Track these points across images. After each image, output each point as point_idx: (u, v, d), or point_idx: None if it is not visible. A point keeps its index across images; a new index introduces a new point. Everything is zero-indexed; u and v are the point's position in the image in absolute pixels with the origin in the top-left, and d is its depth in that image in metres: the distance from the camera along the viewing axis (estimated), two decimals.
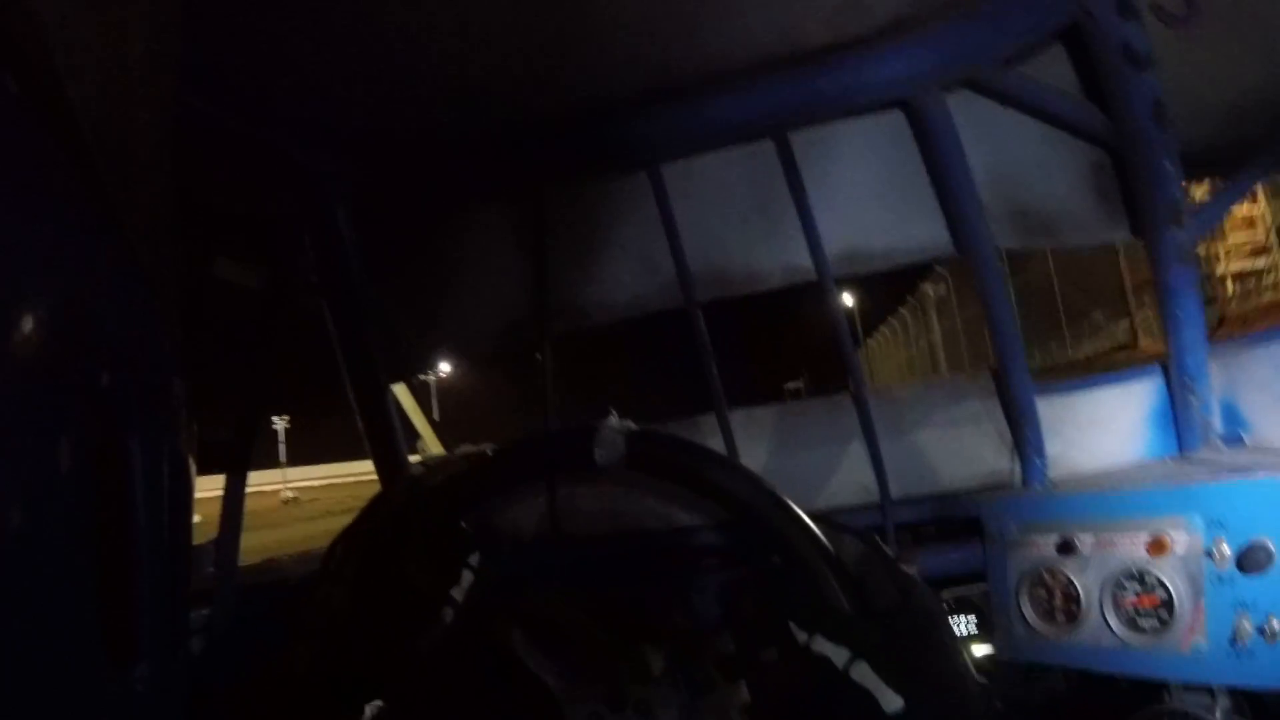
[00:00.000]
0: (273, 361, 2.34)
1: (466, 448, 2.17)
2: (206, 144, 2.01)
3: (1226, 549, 1.67)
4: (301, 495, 38.89)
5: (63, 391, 0.64)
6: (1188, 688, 1.81)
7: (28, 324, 0.59)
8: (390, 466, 2.57)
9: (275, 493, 39.18)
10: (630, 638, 1.85)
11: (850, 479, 2.39)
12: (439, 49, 1.86)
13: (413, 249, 2.65)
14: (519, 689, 1.85)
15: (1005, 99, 2.21)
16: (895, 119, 2.30)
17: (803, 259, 2.38)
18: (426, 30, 1.80)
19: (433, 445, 3.54)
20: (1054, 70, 2.23)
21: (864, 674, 1.58)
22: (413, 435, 3.08)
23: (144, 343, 0.88)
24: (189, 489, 1.03)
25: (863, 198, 2.40)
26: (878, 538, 2.20)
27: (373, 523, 2.01)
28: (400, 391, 2.85)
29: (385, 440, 2.57)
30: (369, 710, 1.67)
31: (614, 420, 1.77)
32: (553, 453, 1.95)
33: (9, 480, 0.56)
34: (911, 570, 2.09)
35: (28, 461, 0.58)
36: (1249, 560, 1.64)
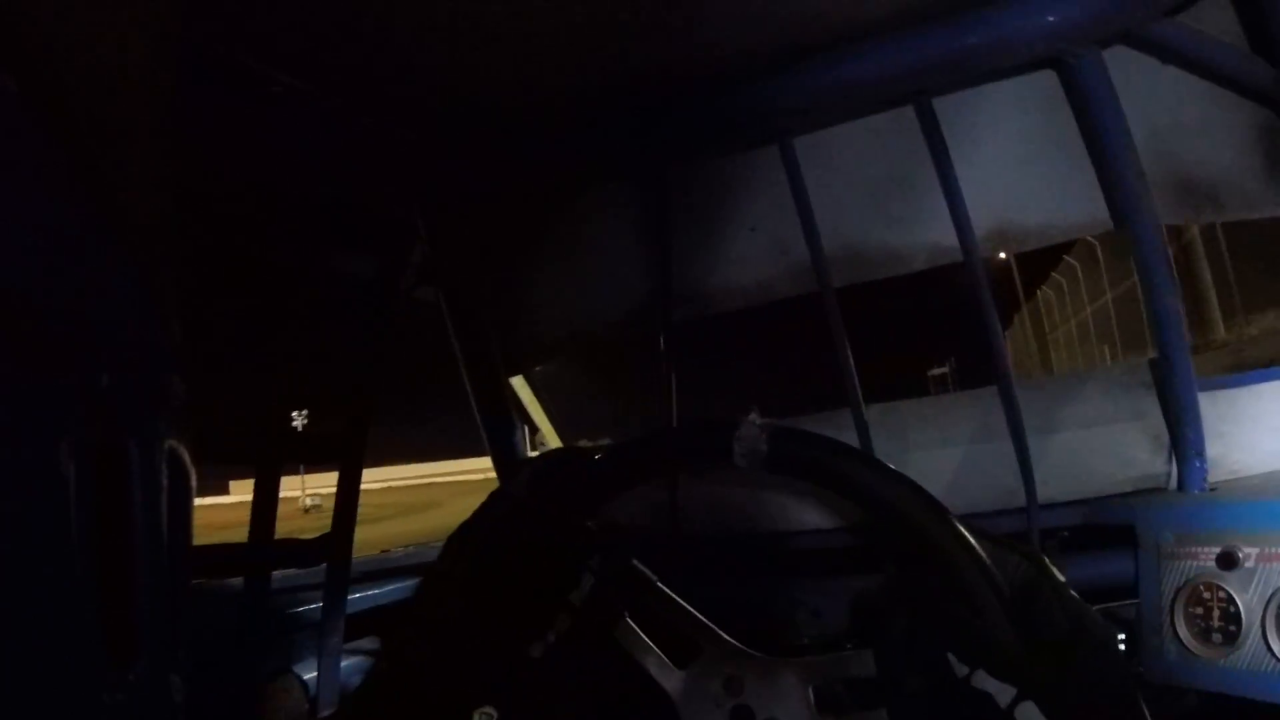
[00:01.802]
0: (385, 354, 2.33)
1: (585, 443, 2.11)
2: (312, 131, 1.99)
3: None
4: (324, 503, 37.99)
5: (63, 391, 0.63)
6: None
7: (27, 324, 0.59)
8: (509, 462, 2.53)
9: (294, 500, 38.94)
10: (758, 648, 1.74)
11: (992, 480, 2.22)
12: (548, 17, 1.77)
13: (529, 236, 2.58)
14: (634, 693, 1.77)
15: (1165, 55, 2.00)
16: (1046, 80, 2.12)
17: (947, 238, 2.22)
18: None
19: (552, 439, 3.45)
20: (1220, 21, 1.99)
21: (1029, 716, 1.46)
22: (532, 429, 3.04)
23: (144, 343, 0.86)
24: (189, 489, 0.98)
25: (1011, 169, 2.22)
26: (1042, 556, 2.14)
27: (490, 519, 1.96)
28: (518, 385, 2.81)
29: (504, 435, 2.53)
30: (478, 716, 1.61)
31: (755, 417, 1.68)
32: (689, 448, 1.85)
33: (8, 480, 0.57)
34: (1059, 579, 2.01)
35: (27, 461, 0.59)
36: None
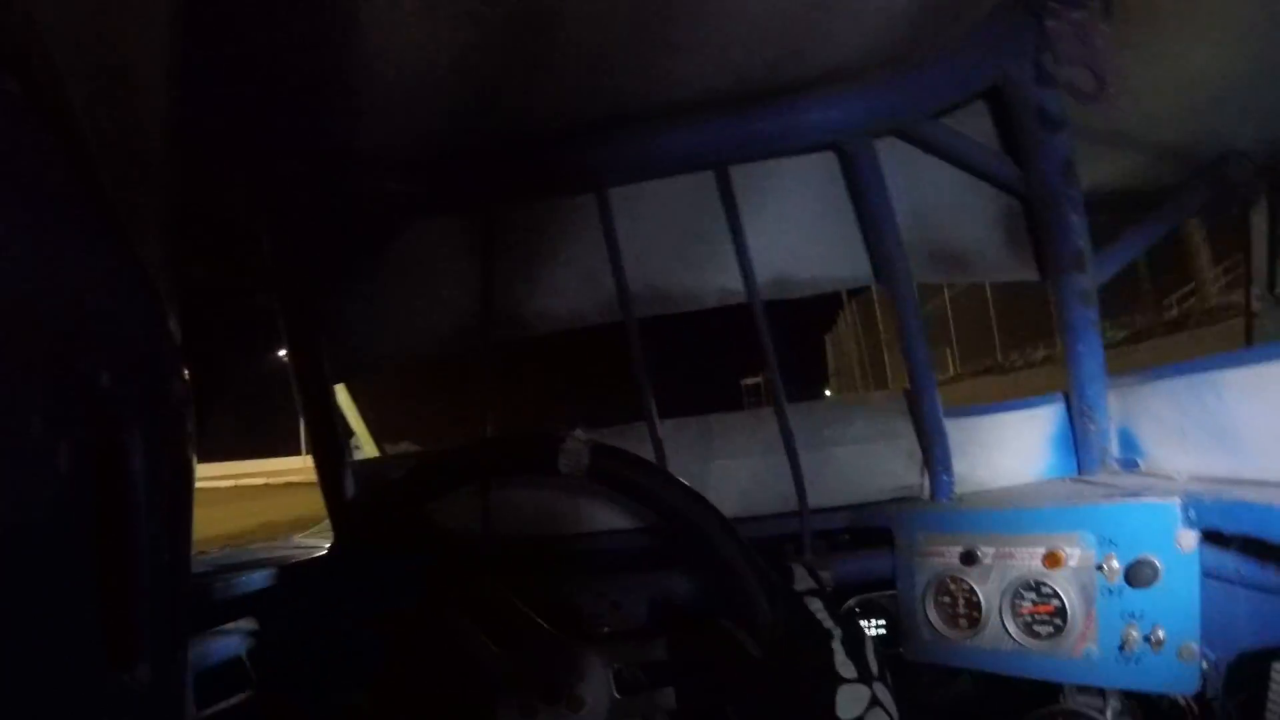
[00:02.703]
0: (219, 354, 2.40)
1: (406, 446, 2.25)
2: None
3: (1116, 564, 1.74)
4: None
5: (63, 391, 0.63)
6: (1080, 689, 1.89)
7: (28, 324, 0.58)
8: (332, 463, 2.56)
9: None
10: (568, 634, 1.87)
11: (771, 488, 2.44)
12: (400, 70, 1.86)
13: (366, 256, 2.63)
14: (461, 677, 1.86)
15: (928, 148, 2.30)
16: (827, 159, 2.38)
17: (735, 283, 2.45)
18: (389, 51, 1.79)
19: (368, 447, 3.55)
20: (976, 124, 2.32)
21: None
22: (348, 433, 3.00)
23: (144, 343, 0.86)
24: (189, 489, 1.00)
25: (794, 228, 2.48)
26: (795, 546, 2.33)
27: (338, 517, 2.09)
28: (339, 392, 2.85)
29: (327, 438, 2.57)
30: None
31: (579, 432, 1.88)
32: (520, 457, 1.95)
33: (9, 480, 0.55)
34: (827, 575, 2.16)
35: (28, 461, 0.57)
36: (1136, 575, 1.70)
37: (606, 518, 2.43)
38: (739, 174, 2.38)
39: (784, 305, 2.54)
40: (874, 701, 1.57)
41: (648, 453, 2.41)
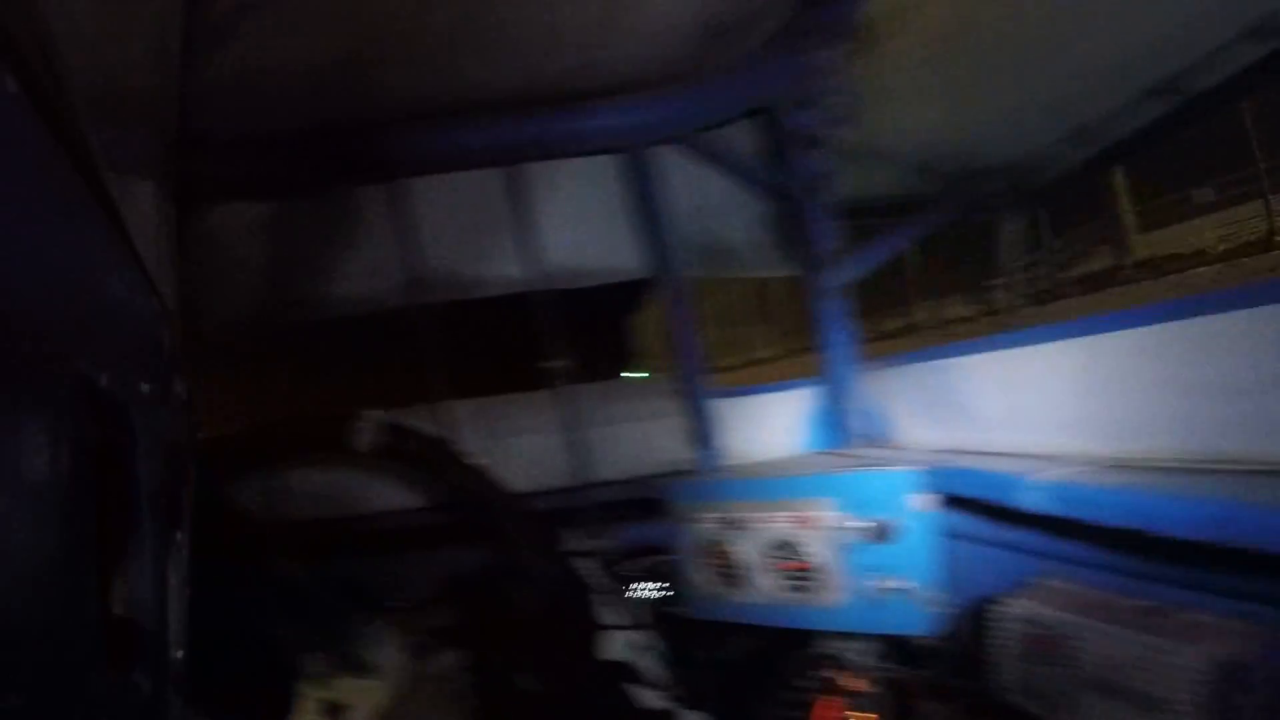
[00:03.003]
0: None
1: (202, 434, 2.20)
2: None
3: (861, 524, 1.94)
4: None
5: (63, 391, 0.61)
6: (835, 635, 2.09)
7: (28, 324, 0.57)
8: None
9: None
10: (361, 607, 1.94)
11: (556, 464, 2.55)
12: (219, 56, 1.80)
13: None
14: (260, 650, 1.87)
15: (704, 157, 2.48)
16: (613, 161, 2.51)
17: (522, 272, 2.55)
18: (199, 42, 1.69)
19: None
20: (747, 138, 2.52)
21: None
22: None
23: (144, 343, 0.85)
24: (189, 489, 1.00)
25: (580, 224, 2.59)
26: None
27: None
28: None
29: None
30: None
31: (372, 414, 1.93)
32: (319, 435, 1.99)
33: (9, 480, 0.54)
34: (607, 542, 2.32)
35: (28, 461, 0.56)
36: (879, 533, 1.92)
37: (396, 496, 2.46)
38: (530, 171, 2.48)
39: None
40: (638, 645, 1.70)
41: (440, 432, 2.45)
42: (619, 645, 1.66)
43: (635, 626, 1.71)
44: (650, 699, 1.54)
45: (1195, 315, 1.40)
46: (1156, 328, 1.48)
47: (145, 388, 0.80)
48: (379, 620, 1.94)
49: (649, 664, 1.63)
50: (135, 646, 0.76)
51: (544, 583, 1.80)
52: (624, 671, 1.60)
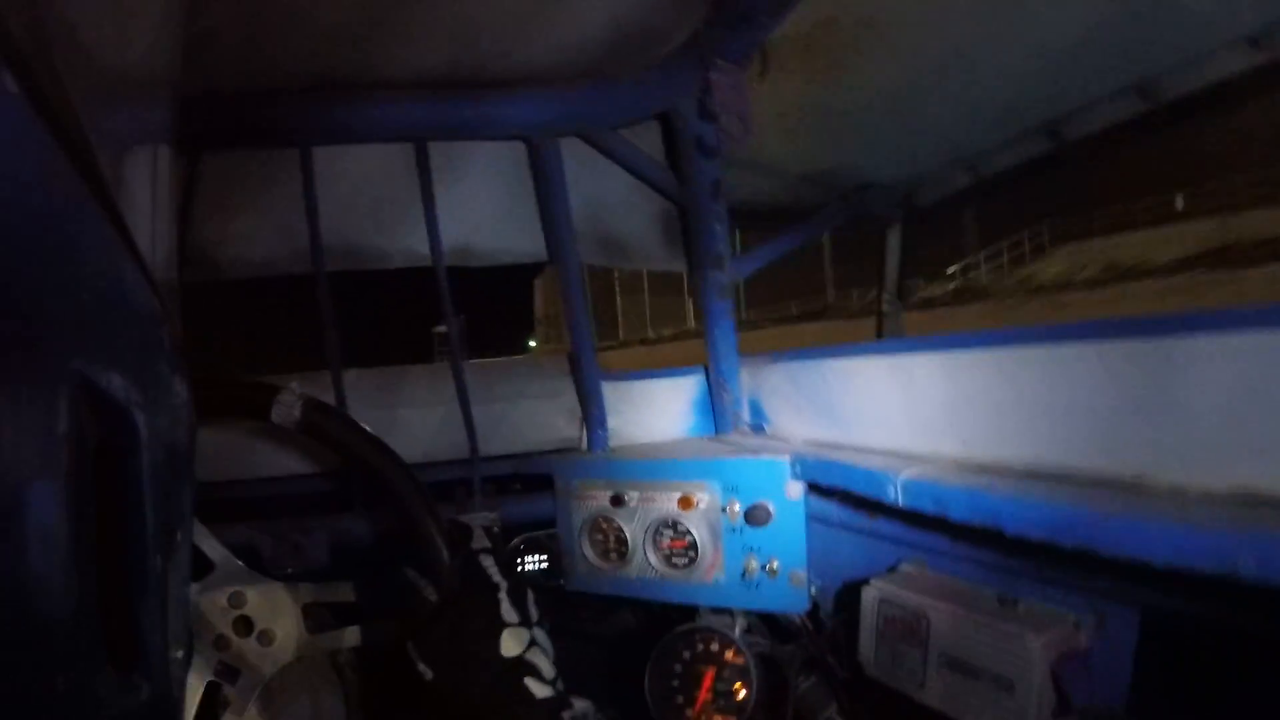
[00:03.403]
0: None
1: None
2: None
3: (738, 507, 2.07)
4: None
5: (62, 391, 0.60)
6: (713, 610, 2.22)
7: (28, 324, 0.57)
8: None
9: None
10: (259, 573, 1.94)
11: (445, 436, 2.59)
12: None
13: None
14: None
15: (606, 153, 2.55)
16: (517, 148, 2.54)
17: (422, 247, 2.56)
18: None
19: None
20: (648, 140, 2.59)
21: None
22: None
23: (144, 343, 0.84)
24: (190, 489, 1.03)
25: (481, 205, 2.63)
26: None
27: None
28: None
29: None
30: None
31: (295, 386, 1.85)
32: (234, 402, 1.94)
33: (8, 480, 0.53)
34: (495, 515, 2.33)
35: (27, 462, 0.55)
36: (754, 516, 2.04)
37: (287, 462, 2.48)
38: (437, 150, 2.50)
39: None
40: (532, 642, 1.76)
41: (330, 399, 2.48)
42: (514, 640, 1.72)
43: (531, 623, 1.78)
44: (542, 692, 1.62)
45: (1049, 342, 1.54)
46: (1014, 349, 1.62)
47: (145, 388, 0.79)
48: (277, 588, 1.93)
49: (542, 660, 1.71)
50: (135, 646, 0.76)
51: (444, 571, 1.84)
52: (519, 666, 1.68)
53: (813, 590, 2.04)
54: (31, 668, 0.58)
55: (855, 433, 2.17)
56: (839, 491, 1.94)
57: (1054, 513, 1.33)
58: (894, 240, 3.31)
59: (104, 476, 0.71)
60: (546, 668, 1.71)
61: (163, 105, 1.14)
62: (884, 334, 3.42)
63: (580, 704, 1.59)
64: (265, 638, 1.90)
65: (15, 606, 0.55)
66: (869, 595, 1.79)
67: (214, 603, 1.88)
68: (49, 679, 0.59)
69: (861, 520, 1.94)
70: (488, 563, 1.86)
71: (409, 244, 2.62)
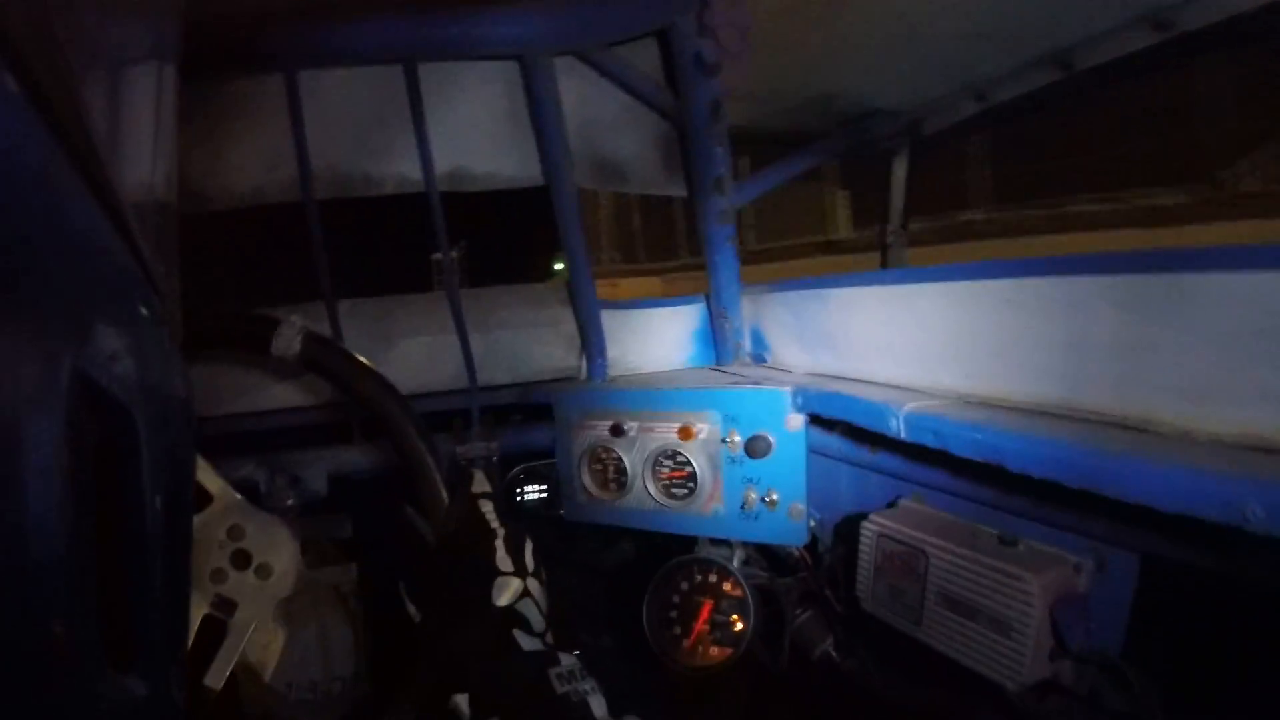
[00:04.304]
0: None
1: None
2: None
3: (738, 438, 2.05)
4: None
5: (62, 392, 0.60)
6: (712, 541, 2.22)
7: (27, 324, 0.56)
8: None
9: None
10: (257, 506, 1.92)
11: (444, 367, 2.56)
12: None
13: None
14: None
15: (602, 72, 2.47)
16: (510, 68, 2.46)
17: (415, 173, 2.50)
18: None
19: None
20: (645, 58, 2.50)
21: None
22: None
23: (144, 342, 0.83)
24: (190, 489, 1.00)
25: (474, 128, 2.55)
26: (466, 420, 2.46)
27: None
28: None
29: None
30: None
31: (295, 319, 1.84)
32: (235, 334, 1.94)
33: (8, 480, 0.54)
34: (494, 445, 2.38)
35: (27, 462, 0.55)
36: (754, 448, 2.02)
37: (287, 394, 2.46)
38: (427, 71, 2.42)
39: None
40: (525, 592, 1.75)
41: (325, 330, 2.44)
42: (506, 590, 1.71)
43: (526, 573, 1.76)
44: (530, 645, 1.60)
45: (1057, 274, 1.50)
46: (1020, 281, 1.58)
47: (145, 386, 0.79)
48: (276, 522, 1.92)
49: (533, 612, 1.70)
50: (135, 646, 0.76)
51: (441, 514, 1.83)
52: (508, 616, 1.66)
53: (811, 523, 2.04)
54: (30, 667, 0.57)
55: (857, 364, 2.15)
56: (840, 424, 1.93)
57: (1058, 451, 1.31)
58: (899, 170, 3.23)
59: (104, 476, 0.71)
60: (537, 620, 1.70)
61: (166, 21, 1.13)
62: (888, 266, 3.36)
63: (567, 659, 1.57)
64: (263, 571, 1.89)
65: (14, 606, 0.55)
66: (868, 530, 1.78)
67: (211, 536, 1.87)
68: (48, 679, 0.59)
69: (862, 454, 1.93)
70: (487, 508, 1.84)
71: (401, 170, 2.56)
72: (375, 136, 2.53)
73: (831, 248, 13.75)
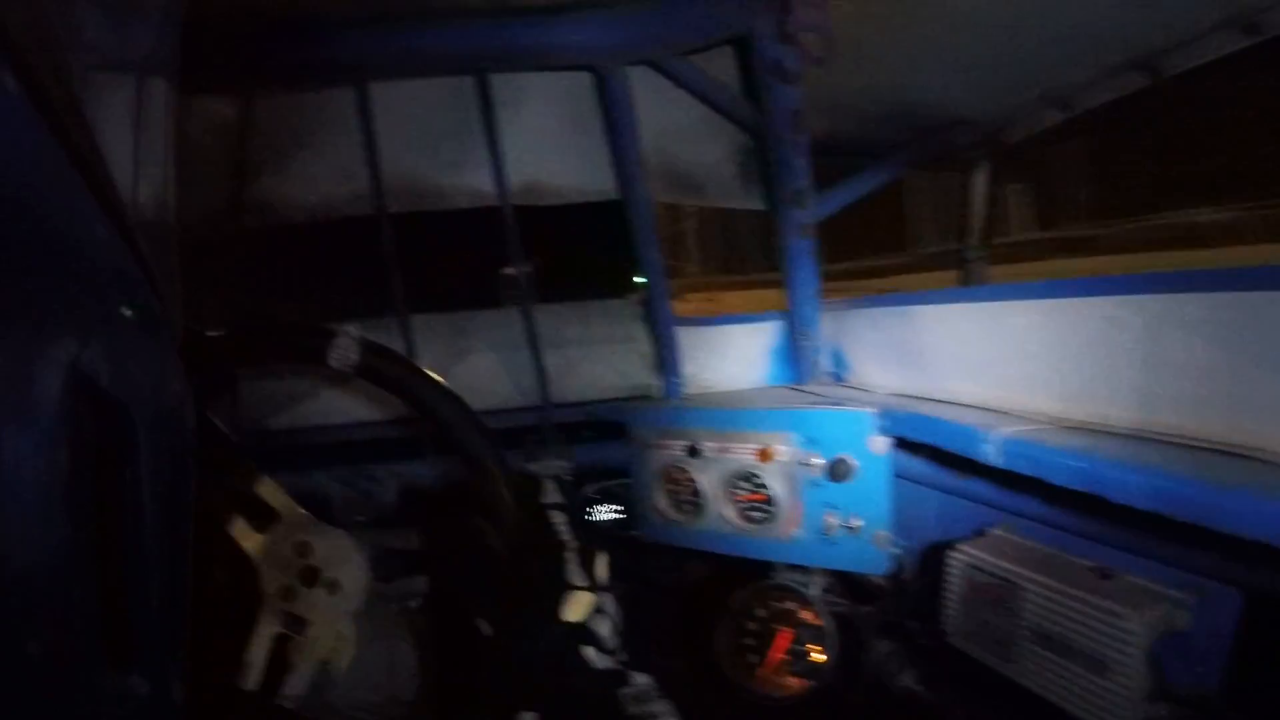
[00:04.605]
0: None
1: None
2: None
3: (819, 461, 1.96)
4: None
5: (63, 392, 0.60)
6: (790, 568, 2.14)
7: (28, 324, 0.57)
8: None
9: None
10: (325, 521, 1.90)
11: (517, 383, 2.56)
12: None
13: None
14: (222, 561, 1.84)
15: (678, 82, 2.42)
16: (583, 79, 2.44)
17: (488, 186, 2.49)
18: None
19: None
20: (721, 67, 2.45)
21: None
22: None
23: (144, 342, 0.84)
24: (190, 490, 0.98)
25: (547, 140, 2.53)
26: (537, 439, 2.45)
27: None
28: None
29: None
30: None
31: (352, 329, 1.83)
32: (292, 345, 1.94)
33: (9, 480, 0.54)
34: (566, 462, 2.33)
35: (28, 462, 0.55)
36: (836, 471, 1.93)
37: (356, 409, 2.45)
38: (498, 83, 2.41)
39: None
40: (597, 609, 1.71)
41: (398, 346, 2.44)
42: (577, 605, 1.67)
43: (598, 588, 1.72)
44: (603, 662, 1.56)
45: (1164, 290, 1.43)
46: (1124, 299, 1.50)
47: (145, 387, 0.79)
48: (343, 536, 1.90)
49: (605, 629, 1.65)
50: (135, 646, 0.76)
51: (510, 524, 1.79)
52: (579, 632, 1.62)
53: (896, 551, 1.94)
54: (31, 666, 0.57)
55: (942, 384, 2.07)
56: (927, 447, 1.86)
57: (1166, 482, 1.23)
58: (979, 181, 3.13)
59: (104, 476, 0.71)
60: (609, 637, 1.65)
61: (155, 32, 1.11)
62: (968, 285, 3.25)
63: (639, 680, 1.52)
64: (333, 586, 1.87)
65: (15, 606, 0.55)
66: (955, 560, 1.71)
67: (279, 553, 1.86)
68: (48, 677, 0.59)
69: (948, 479, 1.85)
70: (558, 519, 1.80)
71: (474, 183, 2.54)
72: (447, 148, 2.52)
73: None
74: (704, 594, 2.44)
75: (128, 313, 0.79)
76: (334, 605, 1.87)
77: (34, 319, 0.58)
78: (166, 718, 0.84)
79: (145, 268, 0.87)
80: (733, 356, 2.69)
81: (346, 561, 1.89)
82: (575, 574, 1.71)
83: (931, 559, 1.89)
